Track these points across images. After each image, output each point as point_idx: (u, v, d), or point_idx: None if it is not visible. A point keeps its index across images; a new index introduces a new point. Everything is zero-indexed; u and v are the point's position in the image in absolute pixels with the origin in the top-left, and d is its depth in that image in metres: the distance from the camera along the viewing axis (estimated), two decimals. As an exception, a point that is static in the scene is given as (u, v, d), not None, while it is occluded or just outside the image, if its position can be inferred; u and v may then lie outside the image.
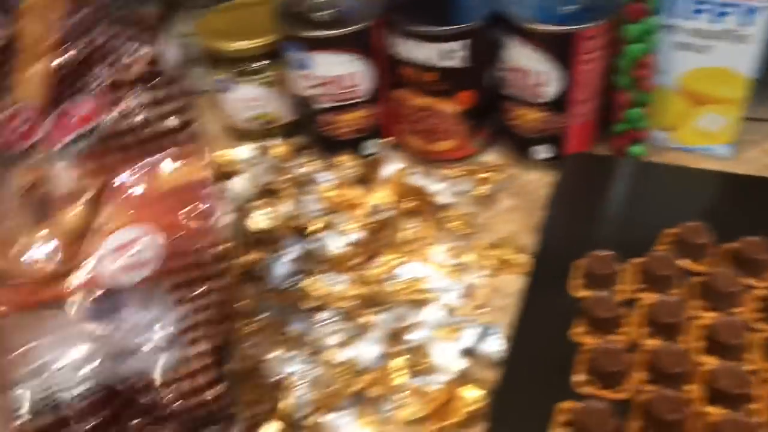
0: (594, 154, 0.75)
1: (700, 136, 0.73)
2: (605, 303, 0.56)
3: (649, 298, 0.58)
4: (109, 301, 0.39)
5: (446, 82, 0.70)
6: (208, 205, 0.41)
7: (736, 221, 0.63)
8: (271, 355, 0.57)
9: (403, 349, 0.57)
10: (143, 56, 0.41)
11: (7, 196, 0.40)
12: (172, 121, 0.41)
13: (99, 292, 0.38)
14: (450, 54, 0.67)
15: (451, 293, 0.61)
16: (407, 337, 0.58)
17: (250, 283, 0.64)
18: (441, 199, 0.69)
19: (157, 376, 0.39)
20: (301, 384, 0.55)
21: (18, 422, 0.37)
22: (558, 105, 0.69)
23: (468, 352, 0.57)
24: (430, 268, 0.62)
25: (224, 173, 0.73)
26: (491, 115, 0.75)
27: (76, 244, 0.39)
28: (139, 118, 0.41)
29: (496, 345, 0.57)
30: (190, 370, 0.40)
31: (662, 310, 0.56)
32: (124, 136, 0.41)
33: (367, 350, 0.57)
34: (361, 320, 0.59)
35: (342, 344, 0.58)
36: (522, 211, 0.70)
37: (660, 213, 0.66)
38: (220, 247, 0.41)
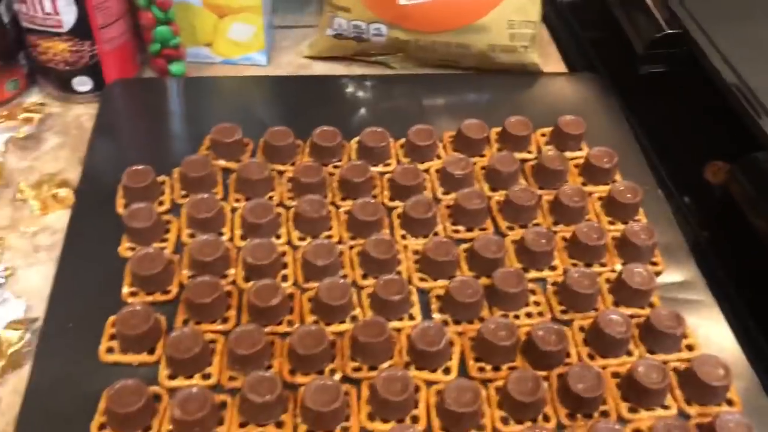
0: (134, 78, 0.75)
1: (234, 46, 0.77)
2: (143, 213, 0.57)
3: (192, 200, 0.60)
4: None
5: (-51, 22, 0.64)
6: None
7: (273, 117, 0.69)
8: None
9: None
10: None
11: None
12: None
13: None
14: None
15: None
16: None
17: None
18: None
19: None
20: None
21: None
22: (80, 33, 0.67)
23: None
24: None
25: None
26: (22, 54, 0.71)
27: None
28: None
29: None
30: None
31: (199, 207, 0.58)
32: None
33: None
34: None
35: None
36: (69, 148, 0.68)
37: (203, 123, 0.68)
38: None
